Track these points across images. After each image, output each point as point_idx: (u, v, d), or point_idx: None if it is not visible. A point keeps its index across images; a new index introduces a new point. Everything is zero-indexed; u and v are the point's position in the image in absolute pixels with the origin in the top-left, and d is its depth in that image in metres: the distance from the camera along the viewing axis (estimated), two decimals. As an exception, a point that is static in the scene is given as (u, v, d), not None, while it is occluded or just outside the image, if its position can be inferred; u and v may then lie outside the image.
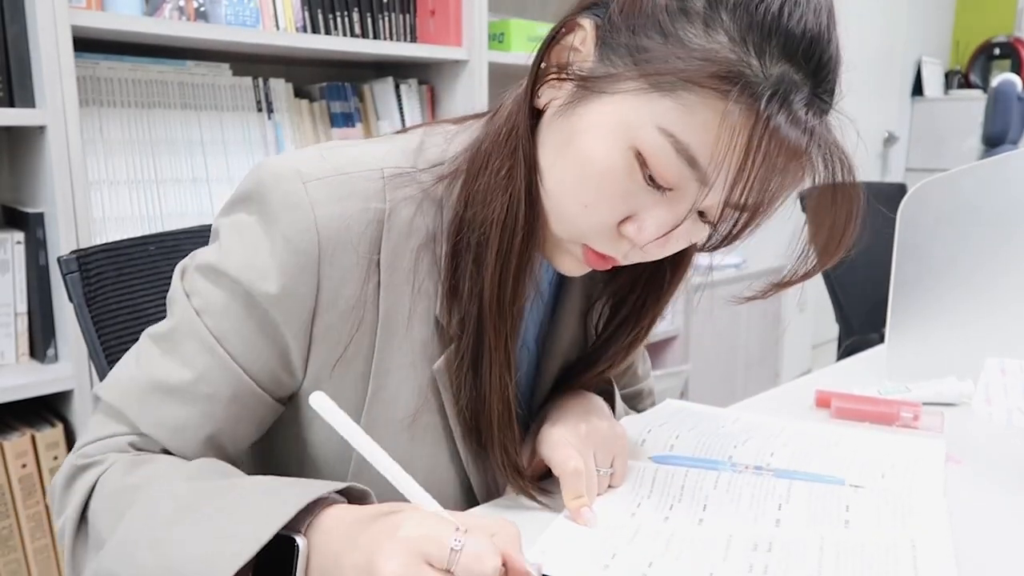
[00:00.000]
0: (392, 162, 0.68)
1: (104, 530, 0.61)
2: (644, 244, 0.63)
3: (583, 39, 0.62)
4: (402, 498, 0.57)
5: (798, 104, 0.57)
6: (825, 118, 0.60)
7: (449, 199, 0.69)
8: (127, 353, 0.70)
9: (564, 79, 0.63)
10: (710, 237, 0.67)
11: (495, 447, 0.72)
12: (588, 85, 0.61)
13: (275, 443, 0.76)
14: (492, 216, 0.66)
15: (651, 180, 0.60)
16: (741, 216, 0.61)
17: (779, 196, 0.61)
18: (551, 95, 0.65)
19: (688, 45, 0.57)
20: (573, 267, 0.69)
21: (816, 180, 0.60)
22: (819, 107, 0.59)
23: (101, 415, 0.68)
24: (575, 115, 0.62)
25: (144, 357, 0.68)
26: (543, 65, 0.65)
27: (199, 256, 0.68)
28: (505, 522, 0.54)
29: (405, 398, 0.70)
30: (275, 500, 0.55)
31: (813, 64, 0.58)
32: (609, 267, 0.68)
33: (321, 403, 0.55)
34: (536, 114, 0.66)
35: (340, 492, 0.59)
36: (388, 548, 0.50)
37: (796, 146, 0.57)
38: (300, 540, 0.54)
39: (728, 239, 0.66)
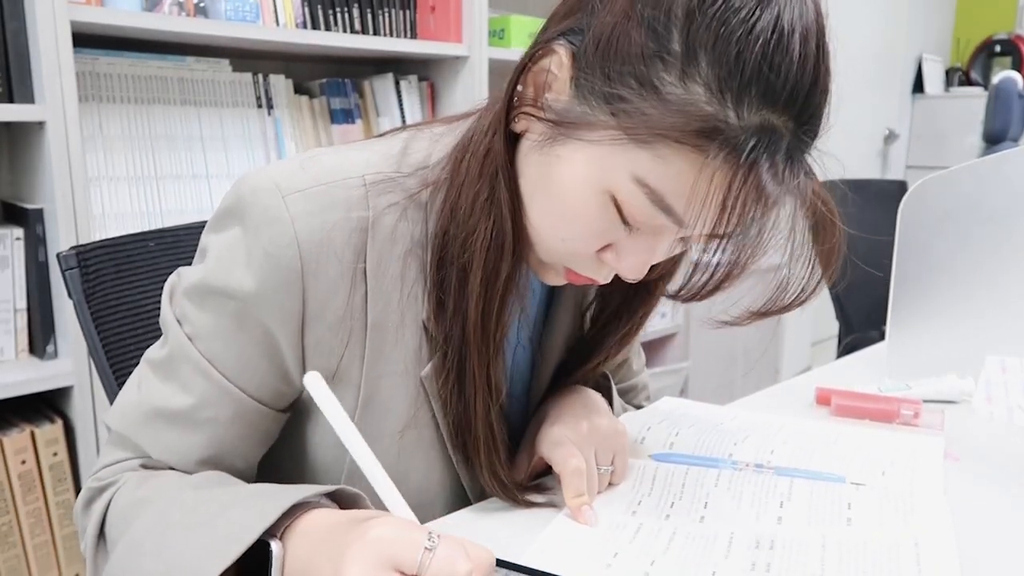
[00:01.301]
0: (374, 168, 0.67)
1: (117, 542, 0.62)
2: (623, 273, 0.64)
3: (559, 64, 0.60)
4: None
5: (780, 154, 0.55)
6: (804, 156, 0.58)
7: (434, 205, 0.68)
8: (130, 378, 0.71)
9: (540, 118, 0.61)
10: (698, 284, 0.67)
11: (483, 470, 0.72)
12: (563, 129, 0.60)
13: (273, 449, 0.76)
14: (476, 243, 0.65)
15: (626, 220, 0.60)
16: (720, 265, 0.61)
17: (761, 244, 0.60)
18: (527, 124, 0.63)
19: (664, 96, 0.54)
20: (556, 281, 0.70)
21: (797, 228, 0.60)
22: (800, 148, 0.57)
23: (112, 443, 0.69)
24: (551, 154, 0.61)
25: (145, 383, 0.68)
26: (519, 88, 0.63)
27: (185, 277, 0.68)
28: (478, 546, 0.52)
29: (397, 404, 0.70)
30: (261, 505, 0.55)
31: (797, 107, 0.55)
32: (592, 284, 0.68)
33: (314, 384, 0.53)
34: (516, 136, 0.65)
35: (332, 495, 0.59)
36: (354, 552, 0.49)
37: (776, 198, 0.56)
38: (274, 545, 0.53)
39: (712, 289, 0.65)
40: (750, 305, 0.66)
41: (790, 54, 0.53)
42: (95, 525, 0.65)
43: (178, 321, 0.67)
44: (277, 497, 0.56)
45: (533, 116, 0.62)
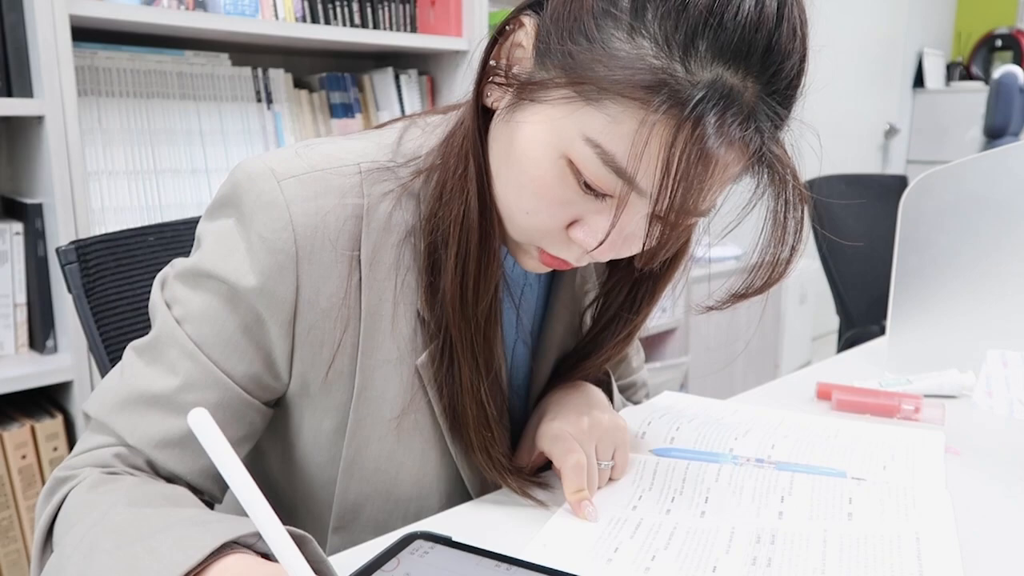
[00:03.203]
0: (369, 157, 0.68)
1: (56, 545, 0.59)
2: (592, 249, 0.62)
3: (526, 35, 0.60)
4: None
5: (732, 113, 0.53)
6: (770, 124, 0.56)
7: (427, 193, 0.68)
8: (113, 368, 0.69)
9: (505, 84, 0.62)
10: (643, 253, 0.64)
11: (475, 450, 0.71)
12: (523, 92, 0.59)
13: (262, 448, 0.76)
14: (450, 217, 0.65)
15: (587, 187, 0.59)
16: (666, 228, 0.58)
17: (709, 206, 0.59)
18: (497, 96, 0.63)
19: (612, 52, 0.54)
20: (533, 266, 0.69)
21: (756, 193, 0.59)
22: (765, 111, 0.55)
23: (89, 430, 0.68)
24: (513, 121, 0.61)
25: (128, 369, 0.67)
26: (491, 63, 0.63)
27: (179, 264, 0.68)
28: None
29: (392, 394, 0.70)
30: (187, 542, 0.51)
31: (755, 63, 0.53)
32: (567, 268, 0.67)
33: (198, 422, 0.44)
34: (489, 112, 0.65)
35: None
36: None
37: (725, 159, 0.55)
38: None
39: (654, 255, 0.62)
40: (730, 288, 0.65)
41: (740, 8, 0.53)
42: (47, 519, 0.62)
43: (167, 305, 0.67)
44: (200, 538, 0.51)
45: (500, 84, 0.62)
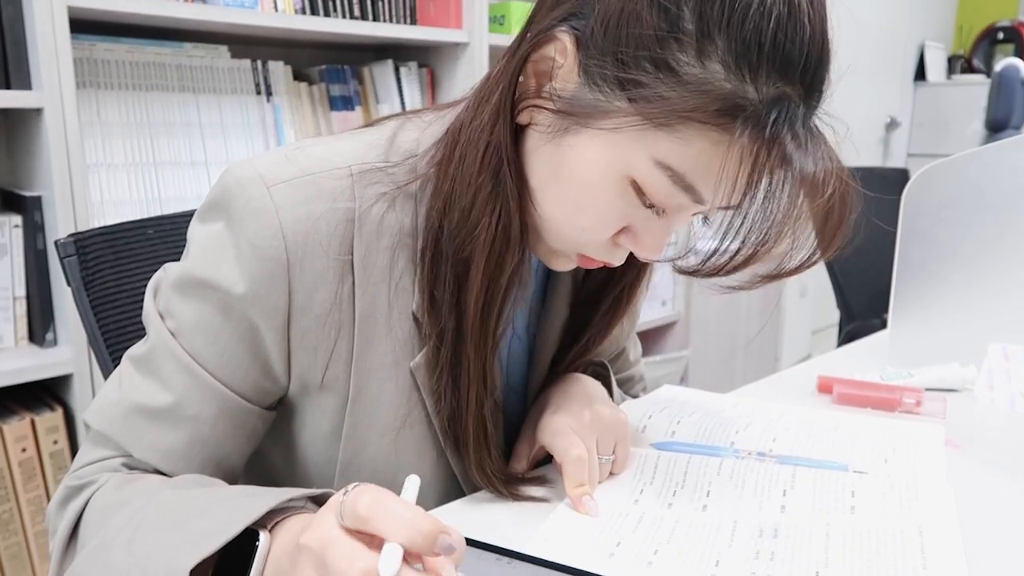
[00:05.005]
0: (361, 158, 0.66)
1: (87, 542, 0.60)
2: (641, 253, 0.63)
3: (562, 51, 0.58)
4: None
5: (798, 123, 0.55)
6: (816, 123, 0.58)
7: (424, 195, 0.67)
8: (111, 376, 0.69)
9: (549, 109, 0.60)
10: (721, 261, 0.63)
11: (472, 466, 0.71)
12: (576, 119, 0.58)
13: (263, 448, 0.76)
14: (480, 238, 0.64)
15: (647, 203, 0.60)
16: (746, 244, 0.59)
17: (788, 217, 0.59)
18: (532, 115, 0.62)
19: (682, 78, 0.54)
20: (566, 266, 0.69)
21: (815, 189, 0.58)
22: (811, 114, 0.57)
23: (91, 441, 0.68)
24: (564, 145, 0.60)
25: (126, 381, 0.67)
26: (520, 79, 0.61)
27: (170, 271, 0.67)
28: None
29: (388, 398, 0.69)
30: (246, 504, 0.54)
31: (809, 77, 0.56)
32: (600, 267, 0.68)
33: (410, 487, 0.52)
34: (517, 127, 0.64)
35: (318, 499, 0.58)
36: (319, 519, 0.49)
37: (799, 165, 0.56)
38: (263, 535, 0.52)
39: (737, 267, 0.62)
40: (756, 269, 0.64)
41: (803, 25, 0.54)
42: (68, 525, 0.62)
43: (161, 316, 0.66)
44: (262, 497, 0.54)
45: (540, 107, 0.61)
